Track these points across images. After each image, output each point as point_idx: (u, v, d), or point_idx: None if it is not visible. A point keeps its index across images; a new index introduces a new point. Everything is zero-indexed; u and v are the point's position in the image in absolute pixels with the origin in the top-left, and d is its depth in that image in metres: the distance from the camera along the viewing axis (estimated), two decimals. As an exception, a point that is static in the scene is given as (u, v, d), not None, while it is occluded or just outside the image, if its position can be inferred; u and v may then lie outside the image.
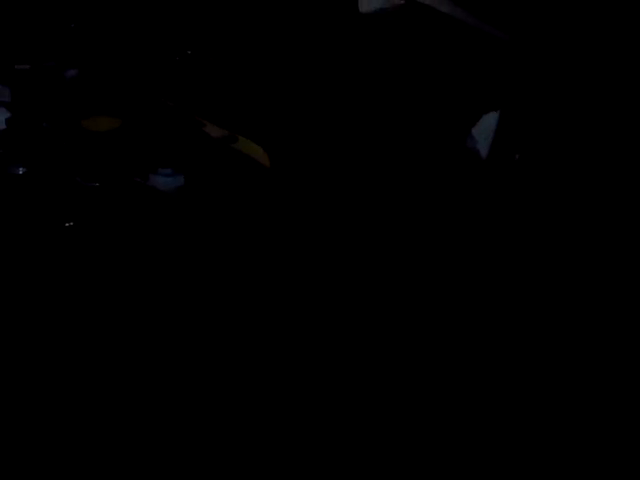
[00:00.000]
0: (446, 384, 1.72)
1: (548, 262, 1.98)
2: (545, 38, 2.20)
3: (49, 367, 1.68)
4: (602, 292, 1.91)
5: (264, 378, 1.69)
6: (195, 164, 2.20)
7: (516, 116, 2.23)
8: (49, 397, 1.62)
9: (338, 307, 1.83)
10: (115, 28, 2.56)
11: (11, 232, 1.91)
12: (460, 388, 1.71)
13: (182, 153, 2.22)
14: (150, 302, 1.79)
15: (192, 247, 1.94)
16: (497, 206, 2.15)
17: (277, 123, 2.41)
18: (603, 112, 2.13)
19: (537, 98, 2.21)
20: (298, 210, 2.12)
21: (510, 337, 1.82)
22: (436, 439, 1.62)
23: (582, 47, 2.15)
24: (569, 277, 1.94)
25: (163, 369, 1.68)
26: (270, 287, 1.87)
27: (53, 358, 1.67)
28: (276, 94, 2.48)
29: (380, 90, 2.50)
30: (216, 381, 1.68)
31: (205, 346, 1.72)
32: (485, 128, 2.34)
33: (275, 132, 2.38)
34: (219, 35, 2.63)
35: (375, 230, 2.05)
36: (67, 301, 1.79)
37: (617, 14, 2.17)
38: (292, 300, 1.83)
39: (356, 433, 1.61)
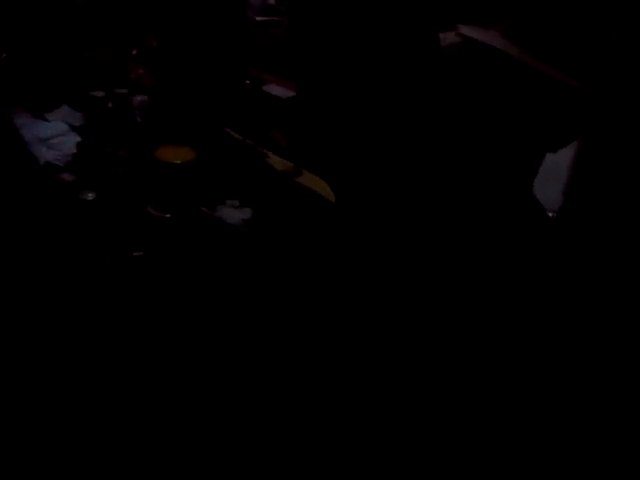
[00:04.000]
0: (445, 384, 1.71)
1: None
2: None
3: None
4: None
5: (264, 378, 1.69)
6: (262, 197, 2.22)
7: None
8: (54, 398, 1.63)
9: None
10: (184, 55, 2.60)
11: (79, 258, 1.93)
12: (460, 388, 1.71)
13: (249, 185, 2.24)
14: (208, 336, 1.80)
15: (255, 280, 1.95)
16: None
17: (342, 158, 2.42)
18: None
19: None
20: (360, 247, 2.12)
21: (507, 337, 1.81)
22: (436, 439, 1.61)
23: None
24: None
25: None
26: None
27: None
28: (344, 128, 2.49)
29: (441, 129, 2.50)
30: (216, 381, 1.68)
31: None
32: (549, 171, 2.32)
33: (340, 167, 2.39)
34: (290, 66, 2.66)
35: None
36: (128, 328, 1.80)
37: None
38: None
39: (356, 433, 1.61)
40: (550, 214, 2.22)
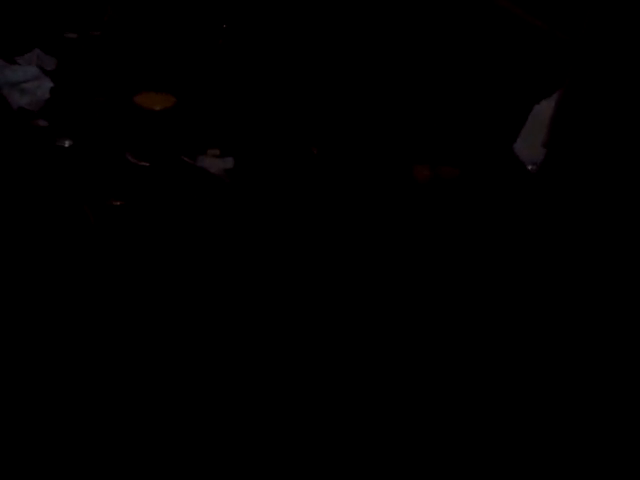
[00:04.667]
0: (444, 384, 1.70)
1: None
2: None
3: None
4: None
5: (264, 378, 1.66)
6: (243, 145, 2.15)
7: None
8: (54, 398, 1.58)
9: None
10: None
11: (55, 207, 1.86)
12: (459, 388, 1.69)
13: (231, 134, 2.17)
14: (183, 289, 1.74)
15: (237, 232, 1.89)
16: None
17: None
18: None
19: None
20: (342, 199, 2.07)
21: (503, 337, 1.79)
22: (436, 439, 1.61)
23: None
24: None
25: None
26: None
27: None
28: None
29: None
30: (216, 381, 1.65)
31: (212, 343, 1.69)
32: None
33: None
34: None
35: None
36: (103, 281, 1.74)
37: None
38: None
39: (356, 432, 1.60)
40: (530, 167, 2.20)
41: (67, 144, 2.01)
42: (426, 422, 1.63)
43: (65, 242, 1.74)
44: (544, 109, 2.27)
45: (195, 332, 1.67)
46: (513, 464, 1.58)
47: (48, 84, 2.20)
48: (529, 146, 2.24)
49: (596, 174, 2.05)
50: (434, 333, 1.77)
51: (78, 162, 1.94)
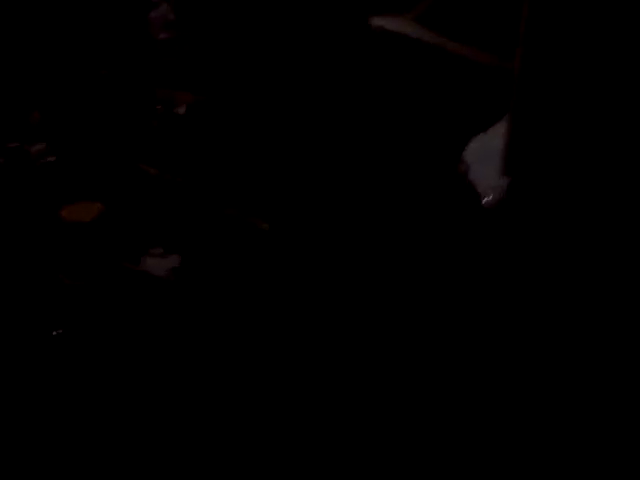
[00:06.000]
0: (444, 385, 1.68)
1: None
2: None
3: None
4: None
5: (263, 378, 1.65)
6: (188, 239, 2.03)
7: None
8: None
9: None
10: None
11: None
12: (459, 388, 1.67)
13: (173, 228, 2.05)
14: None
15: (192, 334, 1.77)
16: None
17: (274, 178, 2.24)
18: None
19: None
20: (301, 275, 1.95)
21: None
22: (436, 439, 1.59)
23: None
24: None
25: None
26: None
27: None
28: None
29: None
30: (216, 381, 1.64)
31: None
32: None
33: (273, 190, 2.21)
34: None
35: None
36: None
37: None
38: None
39: (355, 432, 1.58)
40: (485, 199, 2.11)
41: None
42: (426, 422, 1.60)
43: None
44: (492, 137, 2.19)
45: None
46: (513, 464, 1.55)
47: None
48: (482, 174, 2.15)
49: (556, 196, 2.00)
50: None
51: (6, 289, 1.81)
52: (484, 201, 2.08)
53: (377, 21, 2.40)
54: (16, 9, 2.64)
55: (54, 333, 1.69)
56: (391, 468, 1.55)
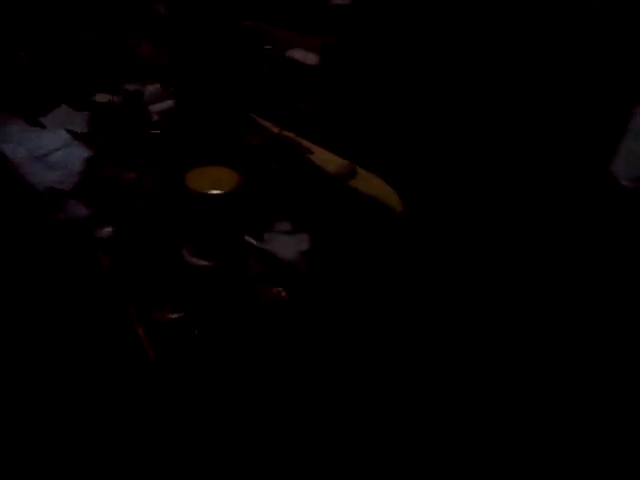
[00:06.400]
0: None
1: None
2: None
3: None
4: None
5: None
6: (316, 214, 1.79)
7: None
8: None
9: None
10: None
11: (99, 328, 1.52)
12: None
13: (297, 200, 1.80)
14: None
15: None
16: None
17: (409, 151, 1.98)
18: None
19: None
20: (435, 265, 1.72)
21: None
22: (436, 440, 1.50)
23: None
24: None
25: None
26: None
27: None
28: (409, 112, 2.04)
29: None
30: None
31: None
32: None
33: (407, 163, 1.95)
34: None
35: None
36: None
37: None
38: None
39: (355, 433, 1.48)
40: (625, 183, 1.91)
41: (107, 233, 1.66)
42: (426, 422, 1.51)
43: (114, 382, 1.41)
44: None
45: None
46: (513, 464, 1.48)
47: (80, 152, 1.84)
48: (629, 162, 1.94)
49: None
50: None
51: (121, 260, 1.59)
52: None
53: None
54: None
55: (172, 317, 1.49)
56: (391, 468, 1.47)
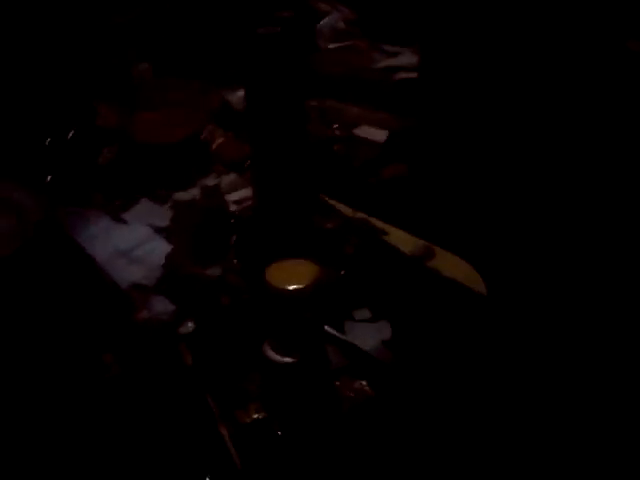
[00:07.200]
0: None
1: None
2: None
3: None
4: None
5: None
6: (395, 299, 1.77)
7: None
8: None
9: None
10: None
11: (178, 415, 1.53)
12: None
13: (377, 285, 1.79)
14: None
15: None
16: None
17: (490, 225, 1.95)
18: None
19: None
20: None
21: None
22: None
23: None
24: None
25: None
26: None
27: None
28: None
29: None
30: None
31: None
32: None
33: (489, 241, 1.92)
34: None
35: None
36: None
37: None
38: None
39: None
40: None
41: (189, 329, 1.68)
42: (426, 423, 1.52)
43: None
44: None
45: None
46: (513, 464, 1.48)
47: (162, 246, 1.87)
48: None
49: None
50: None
51: (203, 357, 1.60)
52: None
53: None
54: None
55: (254, 417, 1.49)
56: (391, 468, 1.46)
